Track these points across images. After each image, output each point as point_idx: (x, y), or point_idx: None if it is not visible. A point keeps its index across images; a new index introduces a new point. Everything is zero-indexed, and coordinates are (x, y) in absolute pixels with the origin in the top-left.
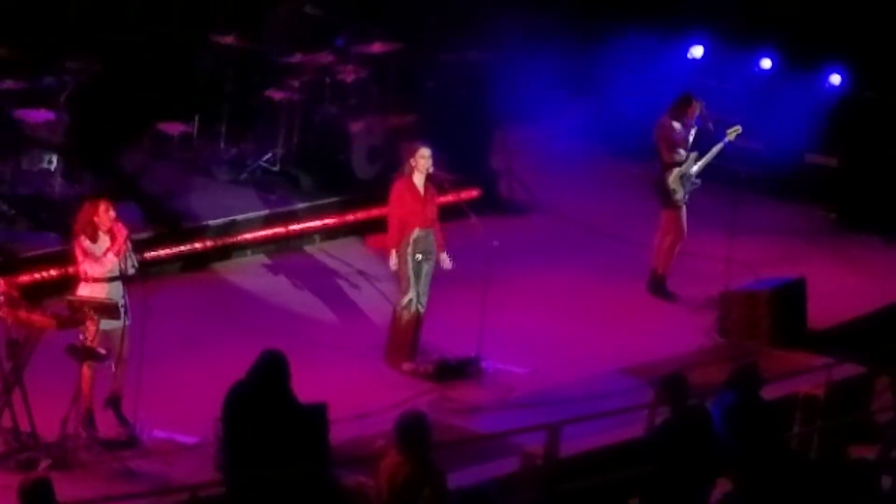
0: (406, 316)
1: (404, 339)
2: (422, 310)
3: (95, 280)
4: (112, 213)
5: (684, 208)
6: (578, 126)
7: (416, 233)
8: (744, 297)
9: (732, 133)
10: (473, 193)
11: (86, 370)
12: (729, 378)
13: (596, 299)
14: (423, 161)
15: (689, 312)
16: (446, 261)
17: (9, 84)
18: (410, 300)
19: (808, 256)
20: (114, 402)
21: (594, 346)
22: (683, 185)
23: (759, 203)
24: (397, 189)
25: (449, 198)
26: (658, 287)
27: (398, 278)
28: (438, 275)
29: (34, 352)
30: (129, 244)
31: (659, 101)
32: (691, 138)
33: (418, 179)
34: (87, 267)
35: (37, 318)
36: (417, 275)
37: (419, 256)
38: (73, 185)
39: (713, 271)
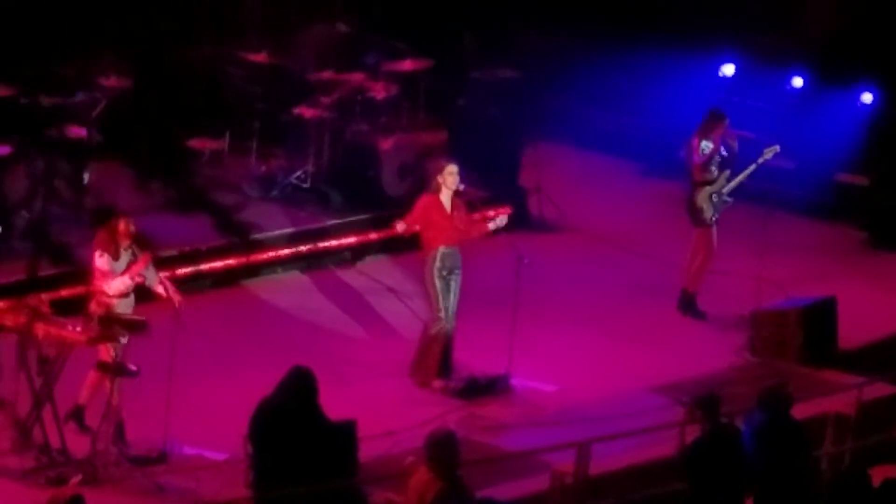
0: (436, 334)
1: (432, 357)
2: (451, 328)
3: (111, 296)
4: (132, 229)
5: (715, 227)
6: (609, 143)
7: (442, 250)
8: (774, 316)
9: (769, 152)
10: (504, 211)
11: (107, 384)
12: (759, 397)
13: (626, 317)
14: (451, 178)
15: (719, 331)
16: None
17: (42, 101)
18: (441, 318)
19: (839, 275)
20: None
21: (624, 363)
22: (713, 204)
23: (790, 221)
24: (422, 205)
25: (479, 215)
26: (688, 306)
27: (427, 297)
28: (468, 292)
29: (64, 368)
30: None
31: (690, 119)
32: (721, 156)
33: (445, 196)
34: (103, 282)
35: (67, 334)
36: (446, 292)
37: (446, 273)
38: (105, 202)
39: (744, 290)
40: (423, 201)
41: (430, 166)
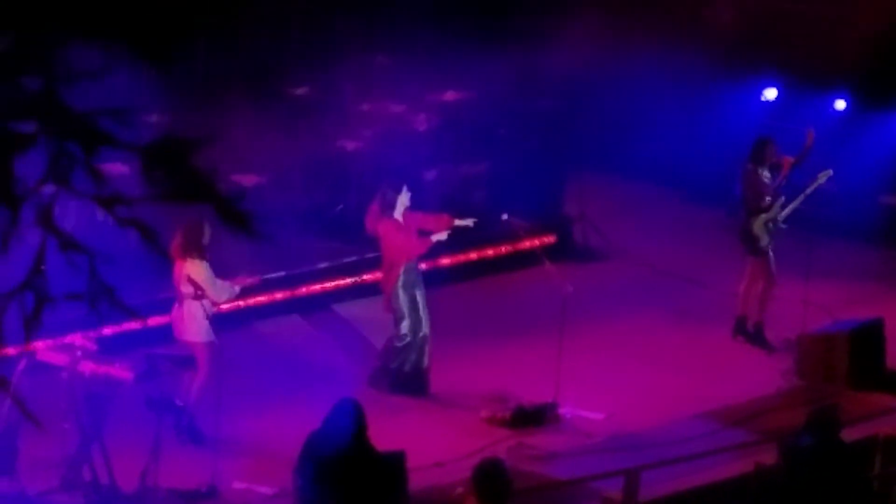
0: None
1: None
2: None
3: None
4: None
5: (771, 254)
6: (651, 171)
7: (406, 266)
8: (821, 340)
9: (823, 177)
10: (548, 240)
11: None
12: (808, 420)
13: (673, 344)
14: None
15: (766, 356)
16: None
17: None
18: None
19: (885, 298)
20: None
21: (671, 390)
22: (768, 231)
23: (834, 245)
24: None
25: (524, 244)
26: (746, 331)
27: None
28: (515, 321)
29: (112, 404)
30: None
31: (733, 145)
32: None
33: (400, 215)
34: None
35: (114, 370)
36: (416, 305)
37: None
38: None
39: (790, 314)
40: (393, 224)
41: (385, 189)
